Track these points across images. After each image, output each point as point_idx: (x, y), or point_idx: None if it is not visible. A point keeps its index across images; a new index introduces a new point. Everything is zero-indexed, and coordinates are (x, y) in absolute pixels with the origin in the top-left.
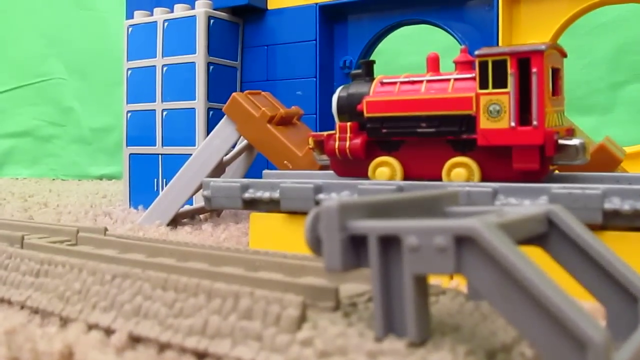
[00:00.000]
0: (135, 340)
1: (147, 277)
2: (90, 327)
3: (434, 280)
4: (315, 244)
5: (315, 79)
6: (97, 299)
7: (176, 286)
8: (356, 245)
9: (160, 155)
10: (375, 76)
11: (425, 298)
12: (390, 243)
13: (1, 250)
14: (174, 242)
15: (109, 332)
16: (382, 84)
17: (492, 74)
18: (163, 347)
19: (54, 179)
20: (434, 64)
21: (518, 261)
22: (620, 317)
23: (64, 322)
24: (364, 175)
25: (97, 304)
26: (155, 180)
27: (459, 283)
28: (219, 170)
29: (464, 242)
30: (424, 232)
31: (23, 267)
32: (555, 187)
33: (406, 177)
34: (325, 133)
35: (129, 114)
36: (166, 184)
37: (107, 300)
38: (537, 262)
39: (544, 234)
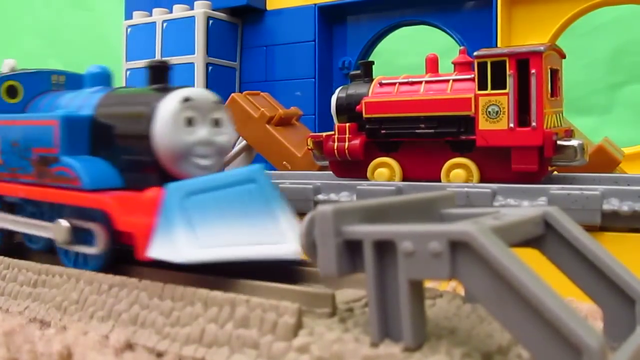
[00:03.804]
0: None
1: (144, 286)
2: None
3: (432, 282)
4: (311, 248)
5: (314, 80)
6: (94, 308)
7: (173, 295)
8: (351, 249)
9: None
10: (374, 77)
11: (420, 303)
12: (385, 248)
13: None
14: None
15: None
16: (381, 84)
17: (491, 75)
18: (160, 354)
19: None
20: (432, 64)
21: (513, 266)
22: (618, 319)
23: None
24: (362, 176)
25: (94, 314)
26: None
27: (457, 285)
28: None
29: (458, 247)
30: (419, 237)
31: (21, 277)
32: (554, 188)
33: (405, 178)
34: (324, 134)
35: None
36: None
37: (104, 309)
38: (534, 264)
39: (541, 236)
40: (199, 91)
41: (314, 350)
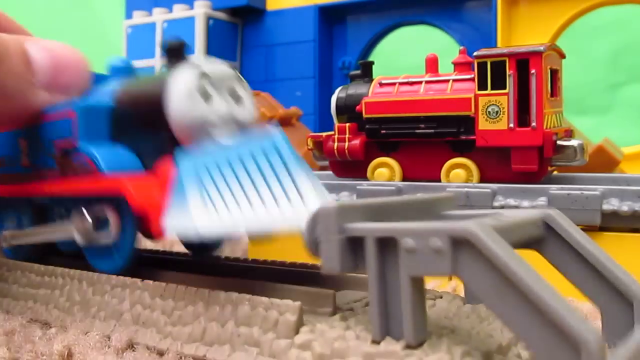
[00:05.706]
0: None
1: (145, 286)
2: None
3: (431, 284)
4: (313, 245)
5: (314, 80)
6: (96, 309)
7: (175, 294)
8: (354, 246)
9: None
10: (374, 77)
11: (422, 300)
12: (387, 245)
13: (1, 262)
14: (173, 252)
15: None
16: (381, 84)
17: (491, 75)
18: (162, 353)
19: None
20: (432, 64)
21: (514, 263)
22: (616, 320)
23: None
24: (363, 176)
25: (97, 314)
26: None
27: (457, 285)
28: None
29: (460, 244)
30: (420, 234)
31: (23, 279)
32: (554, 188)
33: (405, 178)
34: (324, 134)
35: None
36: None
37: (106, 310)
38: (534, 264)
39: (541, 238)
40: (214, 64)
41: (315, 347)
